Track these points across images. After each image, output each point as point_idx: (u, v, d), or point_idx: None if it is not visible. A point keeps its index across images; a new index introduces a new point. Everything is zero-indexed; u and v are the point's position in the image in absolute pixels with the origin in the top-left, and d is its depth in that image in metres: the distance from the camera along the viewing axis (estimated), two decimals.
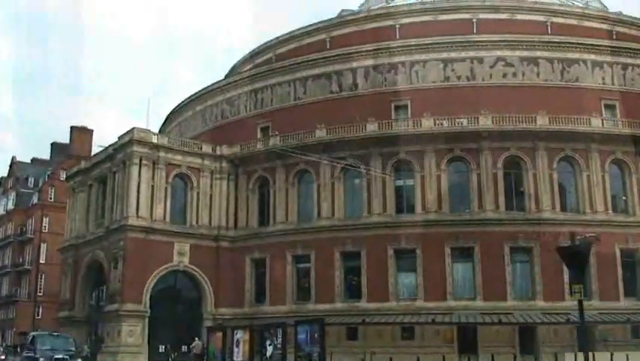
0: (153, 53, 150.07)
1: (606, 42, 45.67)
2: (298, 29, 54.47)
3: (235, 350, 29.00)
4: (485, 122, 41.03)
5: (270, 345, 26.32)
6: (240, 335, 28.85)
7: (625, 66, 44.68)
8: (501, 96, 42.32)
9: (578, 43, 44.57)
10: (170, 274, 44.23)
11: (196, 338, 35.49)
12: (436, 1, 51.31)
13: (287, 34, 55.36)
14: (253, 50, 58.75)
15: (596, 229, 39.68)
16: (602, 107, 43.46)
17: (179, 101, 58.19)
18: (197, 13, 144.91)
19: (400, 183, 42.35)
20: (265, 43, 57.27)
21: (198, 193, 45.94)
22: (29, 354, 33.09)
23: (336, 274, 41.72)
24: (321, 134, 43.77)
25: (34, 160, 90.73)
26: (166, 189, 44.83)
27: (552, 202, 40.52)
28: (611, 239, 39.30)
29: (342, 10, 56.29)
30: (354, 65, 45.82)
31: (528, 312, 38.01)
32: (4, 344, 45.43)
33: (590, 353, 34.91)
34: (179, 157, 45.66)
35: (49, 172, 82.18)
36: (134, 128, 44.48)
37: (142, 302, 41.92)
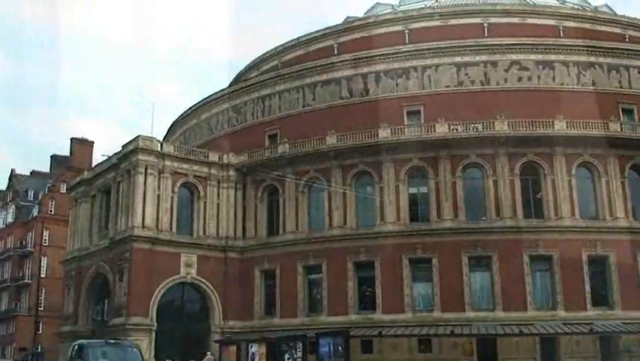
0: (149, 64, 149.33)
1: (621, 45, 44.75)
2: (304, 35, 53.56)
3: None
4: (501, 127, 39.89)
5: (288, 359, 25.06)
6: (256, 349, 27.67)
7: None
8: (517, 101, 41.16)
9: (594, 47, 43.52)
10: (176, 286, 42.87)
11: (207, 353, 34.11)
12: (446, 6, 50.41)
13: (293, 40, 54.44)
14: (258, 58, 57.77)
15: (617, 237, 39.00)
16: (620, 111, 42.39)
17: (183, 110, 57.02)
18: (188, 27, 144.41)
19: (414, 190, 41.15)
20: (270, 51, 56.30)
21: (205, 203, 44.69)
22: None
23: (349, 284, 40.39)
24: (331, 140, 42.59)
25: (33, 173, 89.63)
26: (172, 198, 43.59)
27: (572, 209, 39.32)
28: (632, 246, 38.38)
29: (348, 17, 55.35)
30: (365, 70, 44.70)
31: (549, 322, 36.67)
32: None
33: None
34: (185, 166, 44.45)
35: (49, 185, 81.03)
36: (138, 136, 43.30)
37: (149, 315, 40.56)
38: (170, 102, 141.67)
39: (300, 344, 24.32)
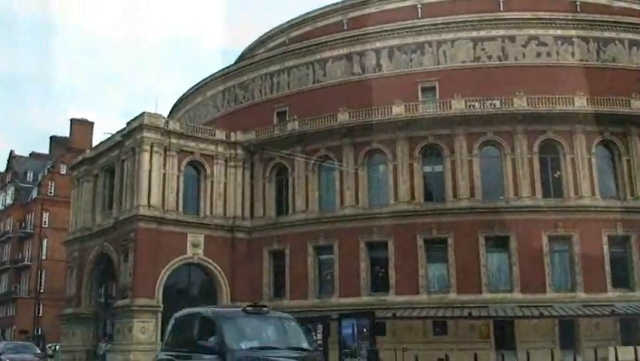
0: (149, 52, 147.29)
1: None
2: (313, 11, 51.96)
3: None
4: (520, 103, 38.54)
5: None
6: None
7: None
8: (535, 77, 39.81)
9: (614, 22, 42.19)
10: (183, 267, 41.62)
11: None
12: None
13: (300, 16, 52.85)
14: (264, 35, 56.22)
15: (638, 217, 37.86)
16: None
17: (188, 88, 55.57)
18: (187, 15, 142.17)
19: (429, 169, 39.88)
20: (277, 27, 54.75)
21: (212, 182, 43.34)
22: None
23: (361, 265, 39.20)
24: (343, 117, 41.19)
25: (32, 154, 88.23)
26: (178, 177, 42.21)
27: (592, 189, 38.12)
28: None
29: None
30: (378, 45, 43.27)
31: (568, 304, 35.60)
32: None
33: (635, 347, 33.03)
34: (191, 144, 43.04)
35: (48, 166, 79.76)
36: (144, 113, 41.83)
37: (155, 297, 39.32)
38: (170, 91, 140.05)
39: (321, 325, 22.95)
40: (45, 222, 73.22)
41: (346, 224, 40.18)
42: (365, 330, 21.36)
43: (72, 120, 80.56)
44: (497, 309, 35.51)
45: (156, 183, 40.87)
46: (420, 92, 41.78)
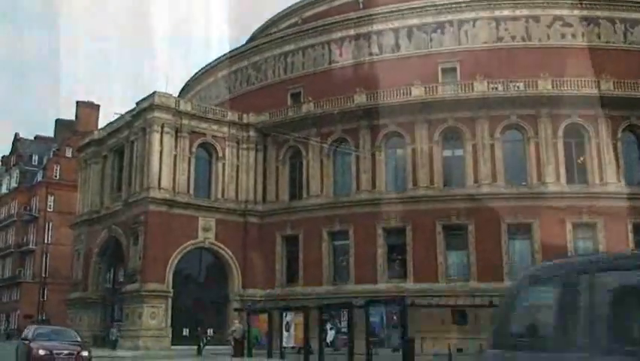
0: (157, 38, 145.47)
1: None
2: None
3: (285, 334, 25.40)
4: (545, 86, 37.19)
5: (331, 329, 22.69)
6: (291, 318, 25.24)
7: None
8: (560, 58, 38.33)
9: None
10: (194, 251, 40.57)
11: (236, 321, 31.70)
12: None
13: None
14: (277, 15, 54.76)
15: None
16: None
17: (198, 69, 54.23)
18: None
19: (449, 153, 38.59)
20: (290, 7, 53.27)
21: (224, 164, 42.17)
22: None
23: (378, 252, 38.03)
24: (360, 99, 39.89)
25: (37, 137, 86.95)
26: (189, 159, 41.05)
27: (617, 175, 36.83)
28: None
29: None
30: (396, 24, 41.90)
31: None
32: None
33: None
34: (203, 125, 41.83)
35: (54, 149, 78.48)
36: (154, 92, 40.64)
37: (165, 282, 38.28)
38: (179, 75, 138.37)
39: (345, 312, 21.80)
40: (50, 205, 72.25)
41: (362, 209, 38.99)
42: (395, 317, 20.17)
43: (78, 103, 79.08)
44: None
45: (167, 164, 39.71)
46: (440, 74, 40.48)
